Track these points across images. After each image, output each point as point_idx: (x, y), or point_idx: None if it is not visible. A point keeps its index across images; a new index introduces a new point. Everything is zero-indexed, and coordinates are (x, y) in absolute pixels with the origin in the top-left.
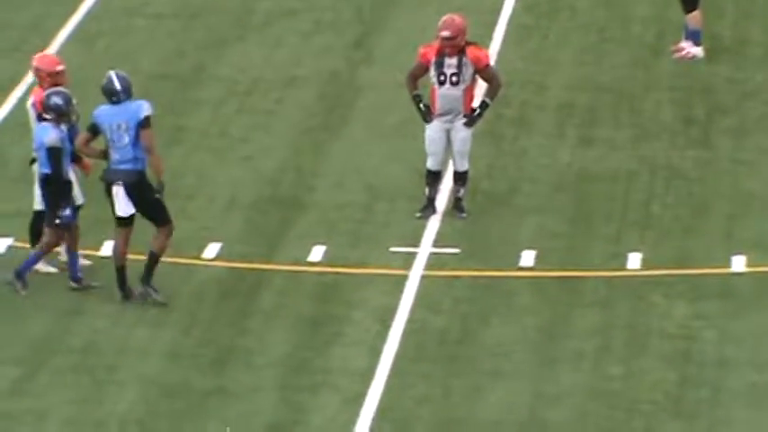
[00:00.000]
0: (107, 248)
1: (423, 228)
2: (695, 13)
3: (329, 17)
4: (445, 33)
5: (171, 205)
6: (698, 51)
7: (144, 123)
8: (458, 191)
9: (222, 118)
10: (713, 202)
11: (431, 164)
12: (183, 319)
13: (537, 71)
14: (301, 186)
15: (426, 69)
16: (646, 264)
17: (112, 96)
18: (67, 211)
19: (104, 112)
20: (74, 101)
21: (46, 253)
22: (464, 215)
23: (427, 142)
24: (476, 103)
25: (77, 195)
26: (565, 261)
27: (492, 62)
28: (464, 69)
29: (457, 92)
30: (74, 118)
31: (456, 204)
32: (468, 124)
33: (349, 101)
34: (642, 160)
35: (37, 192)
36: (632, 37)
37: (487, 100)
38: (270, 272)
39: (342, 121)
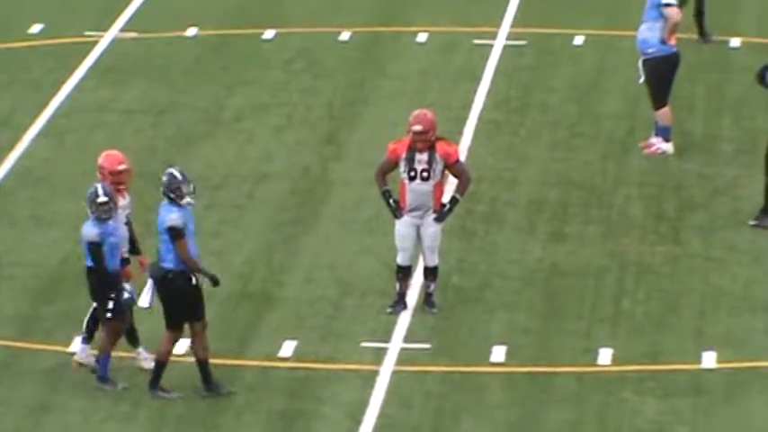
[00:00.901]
0: (76, 344)
1: (393, 323)
2: (665, 110)
3: (300, 113)
4: (417, 128)
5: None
6: (668, 147)
7: (169, 232)
8: (428, 286)
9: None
10: (683, 299)
11: (401, 259)
12: (153, 416)
13: (507, 167)
14: (272, 281)
15: (395, 165)
16: (616, 359)
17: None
18: (112, 305)
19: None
20: (115, 197)
21: (113, 345)
22: (435, 310)
23: (397, 238)
24: (446, 199)
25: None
26: (536, 356)
27: (462, 158)
28: (434, 165)
29: (427, 187)
30: (114, 214)
31: (427, 299)
32: (439, 220)
33: (320, 196)
34: (612, 256)
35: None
36: (603, 133)
37: (457, 195)
38: (240, 367)
39: (313, 216)
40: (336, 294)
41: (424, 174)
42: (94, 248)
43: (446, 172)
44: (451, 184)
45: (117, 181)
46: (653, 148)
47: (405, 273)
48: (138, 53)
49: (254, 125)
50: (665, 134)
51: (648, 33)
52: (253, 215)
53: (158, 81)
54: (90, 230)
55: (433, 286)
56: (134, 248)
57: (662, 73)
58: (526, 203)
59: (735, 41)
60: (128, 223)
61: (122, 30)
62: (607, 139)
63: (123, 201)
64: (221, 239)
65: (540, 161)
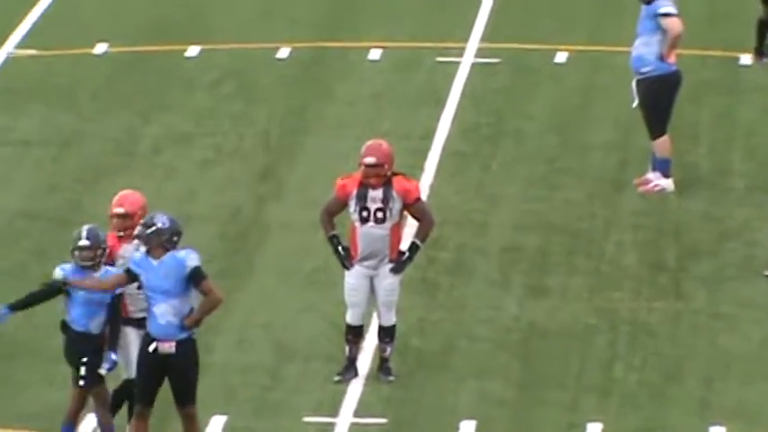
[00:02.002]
0: None
1: (342, 394)
2: (663, 139)
3: (231, 143)
4: (369, 160)
5: (39, 369)
6: (667, 184)
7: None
8: (384, 349)
9: None
10: (687, 364)
11: (351, 317)
12: None
13: (477, 208)
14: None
15: (344, 204)
16: None
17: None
18: (84, 371)
19: None
20: (105, 244)
21: (107, 414)
22: (391, 378)
23: (347, 292)
24: (404, 246)
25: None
26: None
27: (423, 196)
28: (391, 204)
29: (382, 231)
30: (100, 264)
31: (382, 366)
32: (396, 270)
33: (254, 242)
34: (601, 313)
35: (131, 358)
36: (589, 167)
37: (418, 241)
38: None
39: (246, 266)
40: (274, 360)
41: (379, 214)
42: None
43: (405, 213)
44: (411, 227)
45: (116, 226)
46: (650, 186)
47: (356, 333)
48: (37, 73)
49: (176, 158)
50: (663, 168)
51: (644, 49)
52: None
53: (61, 106)
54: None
55: (389, 350)
56: None
57: (660, 95)
58: (499, 251)
59: (745, 58)
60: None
61: (18, 46)
62: (595, 175)
63: (125, 250)
64: None
65: (515, 201)
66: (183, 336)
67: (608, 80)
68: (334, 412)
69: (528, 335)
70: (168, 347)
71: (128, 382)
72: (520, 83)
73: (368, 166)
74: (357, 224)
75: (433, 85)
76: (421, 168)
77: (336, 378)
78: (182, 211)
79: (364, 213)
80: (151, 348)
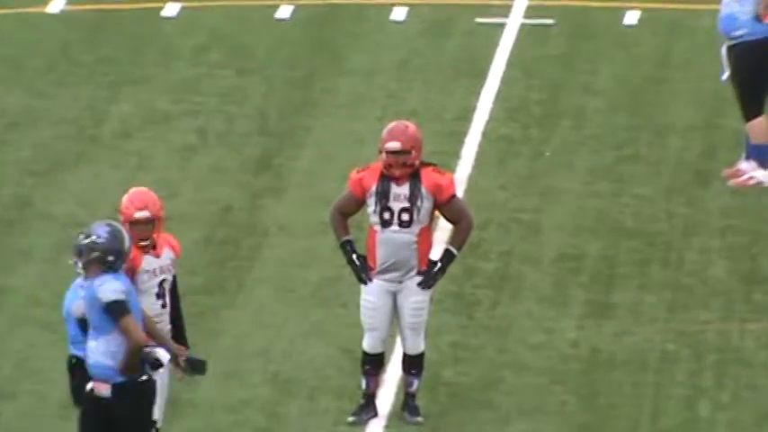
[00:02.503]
0: None
1: None
2: (759, 121)
3: (218, 126)
4: (392, 146)
5: None
6: (764, 177)
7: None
8: (410, 383)
9: (58, 276)
10: None
11: (369, 344)
12: None
13: (526, 206)
14: (175, 377)
15: (361, 203)
16: None
17: None
18: None
19: None
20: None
21: None
22: (419, 419)
23: (364, 312)
24: (436, 255)
25: None
26: None
27: (459, 192)
28: (419, 203)
29: (408, 236)
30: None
31: (407, 403)
32: (425, 285)
33: (248, 249)
34: (682, 338)
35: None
36: (667, 155)
37: (452, 249)
38: None
39: (237, 279)
40: (272, 396)
41: (404, 216)
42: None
43: (436, 214)
44: (444, 231)
45: (137, 235)
46: (743, 178)
47: (375, 363)
48: None
49: (150, 144)
50: (760, 156)
51: (736, 7)
52: None
53: (7, 79)
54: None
55: (416, 384)
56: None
57: (755, 66)
58: (554, 260)
59: None
60: (161, 295)
61: None
62: (674, 165)
63: (147, 263)
64: None
65: (574, 197)
66: (121, 379)
67: (689, 46)
68: None
69: (590, 365)
70: (104, 390)
71: None
72: (579, 49)
73: (390, 153)
74: (377, 228)
75: (471, 52)
76: (456, 156)
77: (351, 419)
78: None
79: (386, 214)
80: (88, 387)
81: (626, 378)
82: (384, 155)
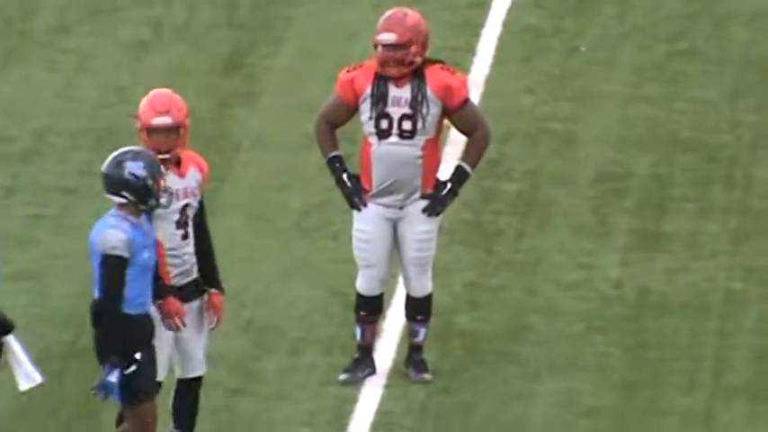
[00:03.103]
0: None
1: (351, 401)
2: None
3: (177, 16)
4: (386, 37)
5: None
6: None
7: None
8: (415, 333)
9: None
10: None
11: (365, 285)
12: None
13: (558, 113)
14: None
15: (353, 109)
16: None
17: None
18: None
19: None
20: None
21: None
22: (427, 377)
23: (357, 245)
24: (445, 174)
25: None
26: None
27: (474, 96)
28: (424, 108)
29: (411, 150)
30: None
31: (412, 358)
32: (432, 210)
33: (216, 169)
34: (751, 276)
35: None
36: (732, 50)
37: (466, 166)
38: None
39: (208, 205)
40: (245, 349)
41: (406, 125)
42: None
43: (446, 123)
44: (455, 144)
45: (156, 145)
46: None
47: (371, 308)
48: None
49: (93, 39)
50: None
51: None
52: (91, 206)
53: None
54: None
55: (422, 333)
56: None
57: None
58: (592, 179)
59: None
60: (182, 223)
61: None
62: (740, 62)
63: (173, 181)
64: (33, 252)
65: (618, 101)
66: None
67: None
68: (340, 426)
69: (637, 309)
70: None
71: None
72: None
73: (385, 46)
74: (373, 140)
75: None
76: (471, 53)
77: (342, 377)
78: (103, 122)
79: (384, 123)
80: None
81: (682, 324)
82: (379, 49)
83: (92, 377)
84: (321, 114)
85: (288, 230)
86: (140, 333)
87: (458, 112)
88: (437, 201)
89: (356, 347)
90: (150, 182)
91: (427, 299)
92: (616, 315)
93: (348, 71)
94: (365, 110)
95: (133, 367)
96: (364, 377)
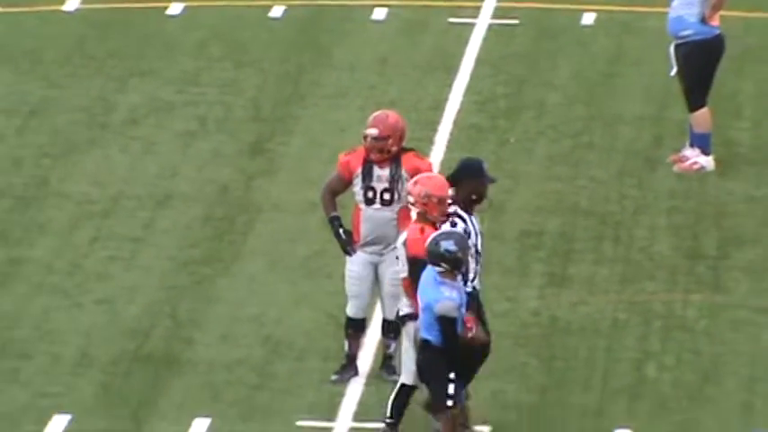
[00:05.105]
0: None
1: (340, 395)
2: (703, 112)
3: (217, 113)
4: (370, 131)
5: (1, 365)
6: (706, 162)
7: None
8: (388, 345)
9: (71, 248)
10: (727, 363)
11: (353, 310)
12: None
13: (494, 187)
14: (177, 339)
15: (348, 183)
16: None
17: None
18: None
19: None
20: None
21: None
22: (395, 377)
23: (348, 281)
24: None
25: None
26: None
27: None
28: (399, 184)
29: (389, 213)
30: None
31: (385, 363)
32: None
33: (243, 225)
34: (632, 307)
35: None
36: (619, 143)
37: None
38: None
39: (233, 251)
40: (264, 357)
41: (386, 195)
42: (450, 324)
43: None
44: None
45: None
46: (687, 164)
47: (357, 328)
48: None
49: (155, 130)
50: (702, 144)
51: (684, 10)
52: (152, 250)
53: (26, 70)
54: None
55: (393, 345)
56: None
57: (700, 62)
58: (517, 236)
59: None
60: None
61: None
62: (625, 152)
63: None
64: (110, 283)
65: (536, 180)
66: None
67: (641, 45)
68: (332, 415)
69: (549, 331)
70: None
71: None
72: (541, 48)
73: (370, 139)
74: (361, 205)
75: (444, 49)
76: (430, 142)
77: (334, 377)
78: (161, 190)
79: (369, 194)
80: None
81: (581, 343)
82: (367, 139)
83: (150, 375)
84: (325, 186)
85: (296, 270)
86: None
87: None
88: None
89: (344, 356)
90: (460, 254)
91: (397, 321)
92: (534, 335)
93: (345, 154)
94: (356, 183)
95: (452, 384)
96: (349, 378)
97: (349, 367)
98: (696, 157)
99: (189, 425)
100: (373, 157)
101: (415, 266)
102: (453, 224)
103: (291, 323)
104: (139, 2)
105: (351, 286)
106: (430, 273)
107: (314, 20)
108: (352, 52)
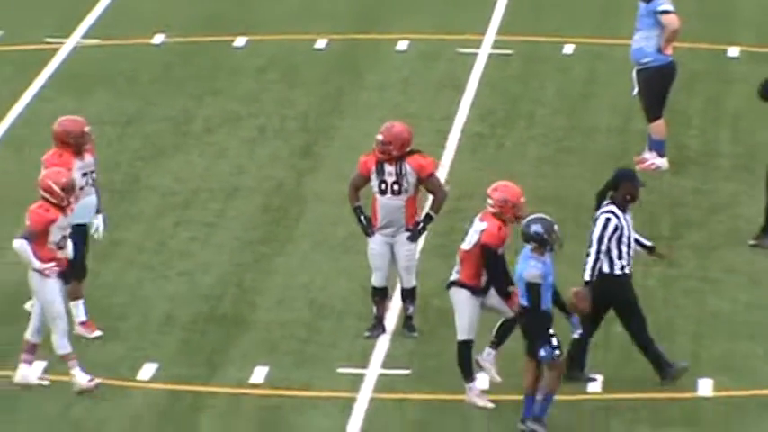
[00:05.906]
0: (26, 368)
1: (371, 348)
2: (659, 123)
3: (274, 124)
4: (378, 137)
5: (103, 325)
6: (662, 163)
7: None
8: (407, 309)
9: (158, 231)
10: (678, 323)
11: (376, 280)
12: None
13: (492, 182)
14: (242, 303)
15: (367, 179)
16: (607, 387)
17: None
18: (543, 351)
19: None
20: (555, 226)
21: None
22: (415, 334)
23: (370, 257)
24: (420, 216)
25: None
26: (522, 383)
27: (442, 172)
28: (405, 178)
29: (398, 202)
30: (556, 246)
31: (406, 323)
32: (412, 238)
33: (294, 213)
34: None
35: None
36: (593, 147)
37: (431, 213)
38: (209, 394)
39: (286, 234)
40: (311, 317)
41: (395, 187)
42: (536, 289)
43: (421, 187)
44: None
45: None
46: (647, 164)
47: (381, 294)
48: (101, 61)
49: (226, 137)
50: (659, 149)
51: (644, 42)
52: (223, 233)
53: (124, 90)
54: (532, 271)
55: (411, 309)
56: None
57: (657, 84)
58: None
59: (733, 50)
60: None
61: (84, 36)
62: (598, 154)
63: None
64: (190, 259)
65: (527, 177)
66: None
67: (610, 70)
68: (364, 364)
69: None
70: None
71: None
72: (531, 72)
73: (377, 142)
74: (377, 196)
75: (453, 73)
76: (442, 147)
77: (366, 334)
78: (230, 184)
79: (383, 186)
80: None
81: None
82: (377, 143)
83: (221, 332)
84: (350, 182)
85: (336, 248)
86: (550, 320)
87: (427, 180)
88: (414, 233)
89: (374, 317)
90: (546, 236)
91: (413, 289)
92: None
93: (364, 156)
94: (373, 178)
95: (554, 340)
96: (378, 335)
97: (378, 326)
98: (654, 159)
99: (251, 372)
100: (380, 157)
101: (487, 252)
102: (608, 220)
103: (333, 290)
104: (212, 36)
105: (373, 261)
106: (525, 250)
107: (350, 50)
108: (380, 76)
